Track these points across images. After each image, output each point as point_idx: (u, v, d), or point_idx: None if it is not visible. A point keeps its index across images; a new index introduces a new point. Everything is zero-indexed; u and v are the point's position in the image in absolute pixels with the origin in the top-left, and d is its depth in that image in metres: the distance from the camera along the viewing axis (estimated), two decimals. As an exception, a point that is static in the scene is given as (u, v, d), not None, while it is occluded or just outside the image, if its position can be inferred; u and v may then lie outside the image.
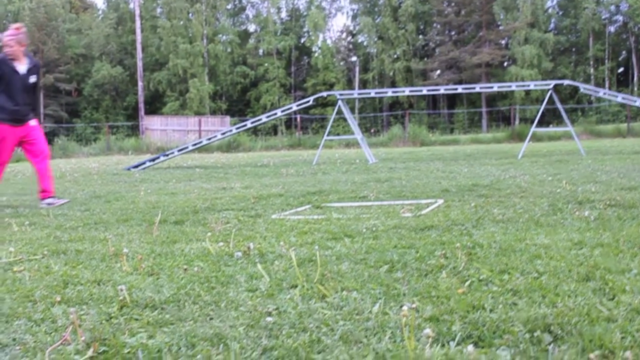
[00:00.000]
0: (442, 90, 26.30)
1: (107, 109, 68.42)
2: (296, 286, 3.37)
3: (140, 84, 47.55)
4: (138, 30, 47.39)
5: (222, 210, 7.10)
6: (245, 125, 20.83)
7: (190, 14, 68.64)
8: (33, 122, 8.85)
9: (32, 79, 8.75)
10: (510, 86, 25.94)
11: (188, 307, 3.07)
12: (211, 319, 2.86)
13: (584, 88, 20.05)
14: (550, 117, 20.98)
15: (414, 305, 2.79)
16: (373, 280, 3.43)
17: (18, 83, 8.60)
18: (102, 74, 66.99)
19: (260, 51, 72.82)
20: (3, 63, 8.53)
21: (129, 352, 2.44)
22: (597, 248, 4.06)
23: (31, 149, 8.85)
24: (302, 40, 74.63)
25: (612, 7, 67.90)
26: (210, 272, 3.79)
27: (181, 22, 67.39)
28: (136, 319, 2.90)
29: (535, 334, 2.47)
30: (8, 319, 2.97)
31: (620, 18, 68.74)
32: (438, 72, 68.67)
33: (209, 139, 21.02)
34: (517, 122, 48.37)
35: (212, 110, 65.56)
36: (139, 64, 47.03)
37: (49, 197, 8.68)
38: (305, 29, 75.05)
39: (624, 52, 68.79)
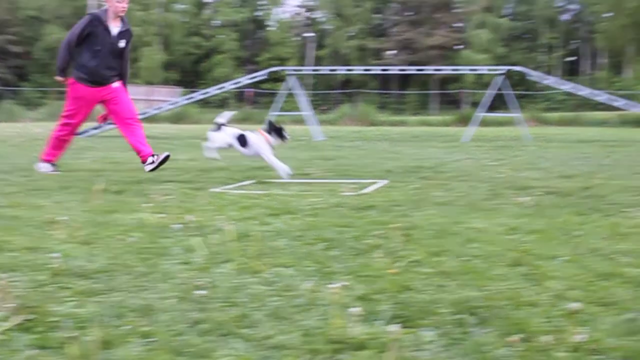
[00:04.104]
0: (395, 70, 26.41)
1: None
2: (231, 261, 3.38)
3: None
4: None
5: (164, 182, 7.07)
6: (193, 98, 20.69)
7: (146, -19, 67.69)
8: (116, 84, 8.54)
9: (122, 43, 8.43)
10: (462, 69, 26.15)
11: (120, 277, 3.06)
12: (142, 290, 2.86)
13: (533, 75, 20.27)
14: (498, 102, 21.18)
15: (343, 284, 2.83)
16: (308, 258, 3.46)
17: (108, 45, 8.32)
18: (53, 37, 65.77)
19: (215, 22, 72.12)
20: (97, 21, 8.26)
21: (55, 321, 2.43)
22: (530, 234, 4.15)
23: (115, 109, 8.55)
24: (258, 14, 74.08)
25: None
26: (147, 243, 3.79)
27: (136, -11, 66.45)
28: (67, 288, 2.88)
29: (461, 316, 2.52)
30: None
31: (574, 7, 69.45)
32: (392, 52, 68.73)
33: (157, 109, 20.84)
34: (467, 105, 48.74)
35: (164, 80, 64.86)
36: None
37: (148, 158, 8.25)
38: (261, 2, 74.48)
39: (575, 41, 69.54)
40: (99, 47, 8.25)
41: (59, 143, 8.50)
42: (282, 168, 7.43)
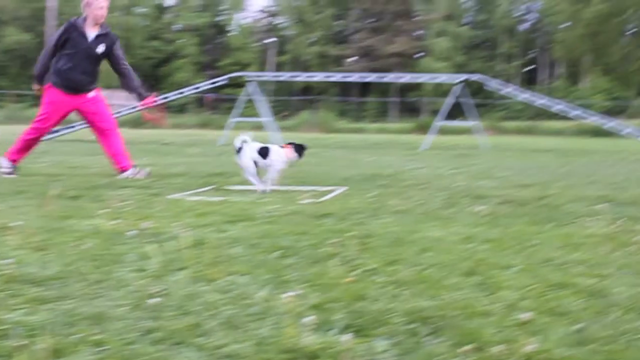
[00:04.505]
0: (354, 77, 26.48)
1: (15, 76, 66.36)
2: (186, 268, 3.36)
3: (49, 52, 46.33)
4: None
5: (121, 187, 7.01)
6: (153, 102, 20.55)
7: (106, -16, 67.05)
8: (92, 93, 8.53)
9: (100, 48, 8.39)
10: (422, 77, 26.30)
11: (73, 284, 3.03)
12: (95, 297, 2.83)
13: (491, 84, 20.45)
14: (457, 110, 21.37)
15: (298, 293, 2.83)
16: (264, 266, 3.45)
17: (83, 50, 8.29)
18: (12, 39, 64.95)
19: (177, 27, 71.77)
20: (73, 27, 8.24)
21: (5, 329, 2.39)
22: (485, 243, 4.18)
23: (93, 119, 8.55)
24: (219, 18, 73.89)
25: (526, 5, 69.40)
26: (101, 250, 3.75)
27: (96, -9, 65.79)
28: (19, 295, 2.84)
29: (414, 326, 2.53)
30: None
31: (533, 17, 70.29)
32: (353, 58, 68.94)
33: (116, 113, 20.67)
34: (426, 114, 49.06)
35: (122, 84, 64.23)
36: (49, 31, 45.85)
37: (126, 170, 8.33)
38: (223, 7, 74.30)
39: (533, 50, 70.33)
40: (74, 52, 8.25)
41: (26, 145, 8.46)
42: (268, 188, 7.23)
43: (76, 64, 8.27)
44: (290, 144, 7.32)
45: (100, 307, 2.67)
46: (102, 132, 8.49)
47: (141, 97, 8.86)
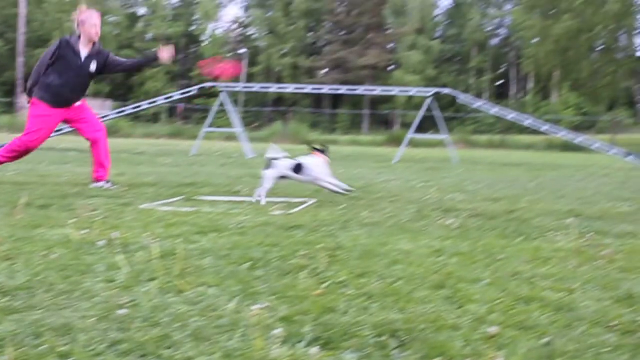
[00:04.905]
0: (326, 89, 26.56)
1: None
2: (155, 279, 3.35)
3: (20, 59, 46.04)
4: (22, 3, 45.88)
5: (91, 197, 6.97)
6: (124, 111, 20.50)
7: (78, -8, 66.86)
8: (79, 102, 8.48)
9: (93, 67, 8.37)
10: (392, 91, 26.44)
11: (41, 295, 3.00)
12: (63, 308, 2.81)
13: (461, 98, 20.58)
14: (429, 124, 21.49)
15: (267, 305, 2.83)
16: (233, 277, 3.44)
17: (75, 68, 8.25)
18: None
19: (149, 36, 71.59)
20: (66, 45, 8.21)
21: (-30, 340, 2.37)
22: (454, 257, 4.20)
23: (83, 127, 8.52)
24: (192, 28, 73.82)
25: (497, 21, 70.05)
26: (69, 260, 3.72)
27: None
28: (-15, 305, 2.82)
29: (383, 339, 2.54)
30: None
31: (503, 32, 70.93)
32: (325, 71, 69.13)
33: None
34: (397, 126, 49.29)
35: (94, 92, 64.01)
36: (20, 38, 45.53)
37: (102, 181, 8.33)
38: (196, 17, 74.24)
39: (504, 65, 70.95)
40: (66, 69, 8.20)
41: (10, 155, 8.36)
42: (341, 186, 7.25)
43: (67, 82, 8.22)
44: (315, 150, 7.35)
45: (68, 318, 2.65)
46: (91, 139, 8.48)
47: (150, 57, 8.90)
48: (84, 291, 3.09)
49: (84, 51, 8.28)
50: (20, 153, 8.37)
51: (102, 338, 2.44)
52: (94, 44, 8.36)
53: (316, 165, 7.13)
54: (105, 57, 8.48)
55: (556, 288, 3.43)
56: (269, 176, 6.97)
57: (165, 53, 8.59)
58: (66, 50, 8.19)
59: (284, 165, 7.03)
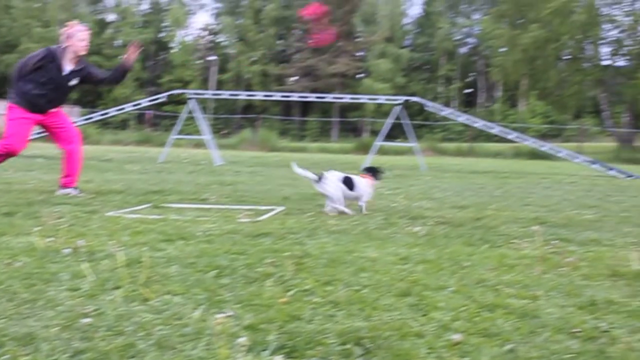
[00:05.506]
0: (295, 97, 26.60)
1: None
2: (120, 287, 3.33)
3: (-15, 65, 45.59)
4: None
5: (57, 204, 6.91)
6: (92, 118, 20.38)
7: (47, -3, 66.37)
8: (55, 109, 8.36)
9: (73, 82, 8.28)
10: (361, 98, 26.53)
11: (3, 304, 2.97)
12: (25, 317, 2.79)
13: (430, 106, 20.68)
14: (398, 131, 21.56)
15: (232, 313, 2.82)
16: (199, 285, 3.43)
17: (55, 82, 8.14)
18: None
19: (118, 42, 71.17)
20: (51, 56, 8.07)
21: None
22: (420, 264, 4.22)
23: (59, 133, 8.44)
24: (161, 35, 73.52)
25: (465, 30, 70.51)
26: (34, 269, 3.69)
27: (37, 5, 65.05)
28: (-54, 314, 2.79)
29: (347, 347, 2.54)
30: None
31: (472, 41, 71.41)
32: (295, 78, 69.14)
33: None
34: (366, 134, 49.44)
35: (62, 98, 63.45)
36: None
37: (70, 187, 8.25)
38: (165, 24, 73.94)
39: (472, 73, 71.39)
40: (46, 81, 8.09)
41: None
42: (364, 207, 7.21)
43: (45, 93, 8.11)
44: (368, 172, 7.33)
45: (31, 327, 2.63)
46: (65, 145, 8.41)
47: (122, 68, 8.68)
48: (48, 300, 3.07)
49: (68, 66, 8.17)
50: (1, 157, 8.26)
51: (65, 347, 2.42)
52: (80, 60, 8.27)
53: (365, 185, 7.15)
54: (87, 72, 8.40)
55: (520, 295, 3.46)
56: (333, 186, 6.95)
57: (131, 55, 8.52)
58: (50, 63, 8.07)
59: (336, 178, 6.99)
